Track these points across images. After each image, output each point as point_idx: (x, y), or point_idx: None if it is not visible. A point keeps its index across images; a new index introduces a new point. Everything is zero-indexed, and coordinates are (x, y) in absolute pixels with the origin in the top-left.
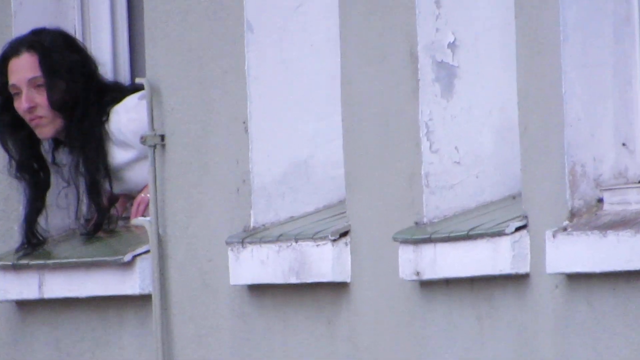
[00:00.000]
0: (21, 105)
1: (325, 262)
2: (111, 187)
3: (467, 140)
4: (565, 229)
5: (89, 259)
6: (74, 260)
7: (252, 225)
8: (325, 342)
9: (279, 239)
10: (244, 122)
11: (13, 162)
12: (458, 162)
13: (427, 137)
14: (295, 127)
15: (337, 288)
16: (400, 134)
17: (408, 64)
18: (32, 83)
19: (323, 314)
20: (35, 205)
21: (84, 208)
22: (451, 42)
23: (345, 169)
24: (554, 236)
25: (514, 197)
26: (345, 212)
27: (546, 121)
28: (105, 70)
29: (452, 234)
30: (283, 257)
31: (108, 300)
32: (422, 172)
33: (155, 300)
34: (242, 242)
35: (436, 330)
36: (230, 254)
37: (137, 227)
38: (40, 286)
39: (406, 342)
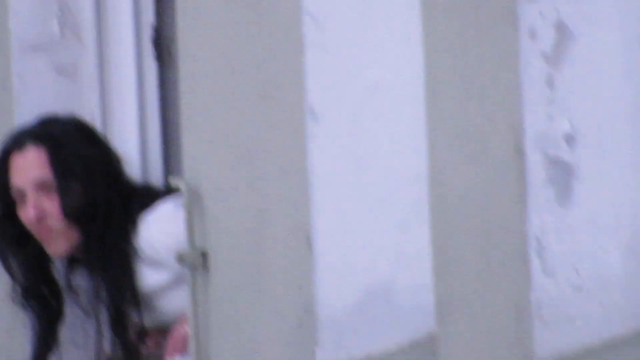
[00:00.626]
0: (27, 214)
1: None
2: (141, 319)
3: (590, 259)
4: None
5: None
6: None
7: None
8: None
9: None
10: (307, 236)
11: (17, 287)
12: (579, 287)
13: (539, 255)
14: (372, 242)
15: None
16: (505, 251)
17: (513, 161)
18: (39, 186)
19: None
20: (45, 341)
21: (106, 345)
22: (568, 133)
23: (435, 296)
24: None
25: None
26: (435, 349)
27: None
28: (131, 168)
29: None
30: None
31: None
32: (532, 300)
33: None
34: None
35: None
36: None
37: None
38: None
39: None
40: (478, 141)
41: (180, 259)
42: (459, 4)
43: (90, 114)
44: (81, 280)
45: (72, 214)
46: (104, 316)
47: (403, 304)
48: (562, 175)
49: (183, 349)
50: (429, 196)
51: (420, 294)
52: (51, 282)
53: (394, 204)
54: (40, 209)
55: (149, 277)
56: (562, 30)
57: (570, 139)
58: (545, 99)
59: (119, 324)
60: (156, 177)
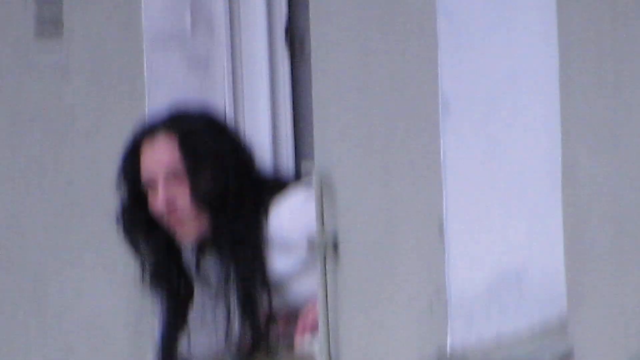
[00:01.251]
0: (157, 201)
1: None
2: (270, 303)
3: None
4: None
5: None
6: None
7: (448, 350)
8: None
9: None
10: (439, 221)
11: (146, 269)
12: None
13: None
14: (504, 227)
15: None
16: (637, 237)
17: None
18: (170, 174)
19: None
20: (175, 323)
21: (236, 328)
22: None
23: (567, 281)
24: None
25: None
26: (566, 333)
27: None
28: (263, 156)
29: None
30: None
31: None
32: None
33: None
34: None
35: None
36: None
37: (303, 354)
38: None
39: None
40: (611, 131)
41: (311, 244)
42: None
43: (222, 106)
44: (211, 266)
45: (203, 201)
46: (234, 299)
47: (535, 289)
48: None
49: (313, 329)
50: (562, 184)
51: (552, 279)
52: (180, 266)
53: (526, 191)
54: (171, 197)
55: (279, 262)
56: None
57: None
58: None
59: (248, 308)
60: (287, 164)
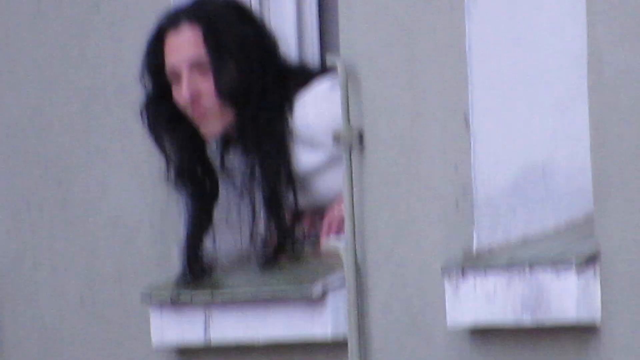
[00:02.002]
0: (181, 94)
1: (568, 296)
2: (296, 200)
3: None
4: None
5: (268, 293)
6: (249, 294)
7: (474, 248)
8: None
9: (508, 265)
10: (465, 116)
11: (171, 167)
12: None
13: None
14: (530, 121)
15: (584, 332)
16: None
17: None
18: (194, 65)
19: None
20: (200, 222)
21: (261, 226)
22: None
23: (593, 176)
24: None
25: None
26: (592, 230)
27: None
28: (288, 48)
29: None
30: (514, 289)
31: (292, 347)
32: None
33: (352, 347)
34: (462, 270)
35: None
36: (447, 285)
37: (328, 251)
38: (206, 328)
39: None
40: (638, 21)
41: (336, 138)
42: None
43: None
44: (235, 160)
45: (227, 93)
46: (259, 197)
47: (560, 185)
48: None
49: (338, 229)
50: (588, 76)
51: (577, 174)
52: (205, 163)
53: (552, 84)
54: (195, 88)
55: (304, 157)
56: None
57: None
58: None
59: (273, 204)
60: (313, 57)
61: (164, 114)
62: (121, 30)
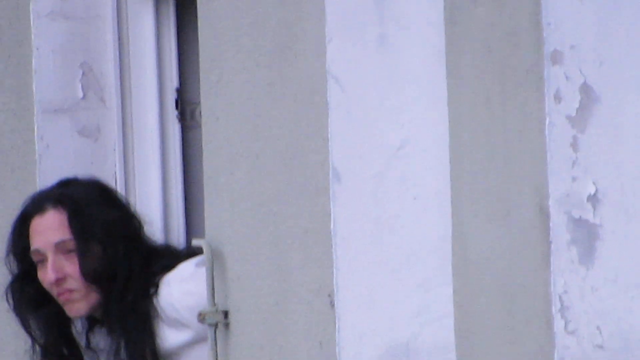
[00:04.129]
0: (47, 276)
1: None
2: None
3: (613, 319)
4: None
5: None
6: None
7: None
8: None
9: None
10: (329, 295)
11: (37, 347)
12: (601, 346)
13: (562, 315)
14: (395, 301)
15: None
16: (528, 311)
17: (537, 222)
18: (60, 248)
19: None
20: None
21: None
22: (592, 194)
23: (457, 355)
24: None
25: None
26: None
27: None
28: (154, 230)
29: None
30: None
31: None
32: (556, 359)
33: None
34: None
35: None
36: None
37: None
38: None
39: None
40: (502, 202)
41: (202, 318)
42: (484, 66)
43: (113, 176)
44: (101, 339)
45: (92, 275)
46: None
47: None
48: (586, 236)
49: None
50: (452, 256)
51: (442, 354)
52: (71, 342)
53: (417, 264)
54: (60, 270)
55: (170, 337)
56: (587, 93)
57: (594, 200)
58: (569, 161)
59: None
60: (178, 239)
61: (29, 295)
62: None
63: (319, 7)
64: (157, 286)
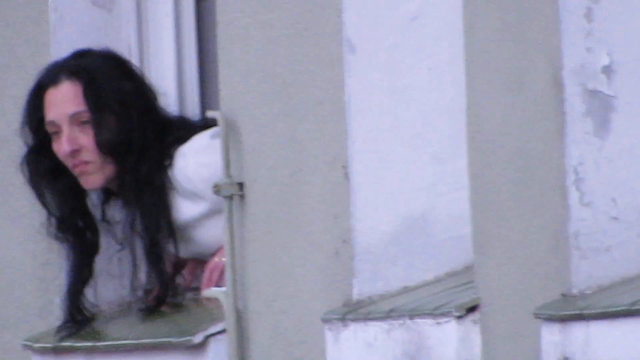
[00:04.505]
0: (61, 147)
1: (448, 344)
2: (176, 250)
3: (628, 190)
4: None
5: (150, 341)
6: (130, 341)
7: (354, 297)
8: None
9: (389, 315)
10: (344, 166)
11: (52, 219)
12: (616, 218)
13: (577, 187)
14: (409, 172)
15: None
16: (542, 183)
17: (551, 93)
18: (74, 119)
19: None
20: (81, 273)
21: (142, 276)
22: (606, 65)
23: (473, 227)
24: None
25: None
26: (472, 281)
27: None
28: (168, 102)
29: (609, 309)
30: (395, 338)
31: None
32: (570, 231)
33: None
34: (343, 319)
35: None
36: (327, 334)
37: (210, 299)
38: None
39: None
40: (516, 74)
41: (217, 189)
42: None
43: (127, 47)
44: (116, 212)
45: (107, 146)
46: (140, 248)
47: (440, 235)
48: (601, 107)
49: (219, 280)
50: (467, 128)
51: (457, 224)
52: (86, 214)
53: (431, 136)
54: (75, 142)
55: (185, 209)
56: None
57: (608, 71)
58: (584, 32)
59: (154, 255)
60: (193, 111)
61: (44, 167)
62: (1, 84)
63: None
64: (171, 158)
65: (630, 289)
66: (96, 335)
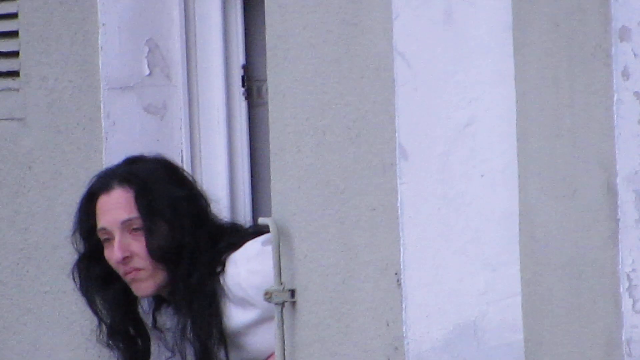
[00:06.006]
0: (113, 254)
1: None
2: (227, 357)
3: None
4: None
5: None
6: None
7: None
8: None
9: None
10: (396, 274)
11: (103, 326)
12: None
13: (630, 293)
14: (462, 279)
15: None
16: (595, 289)
17: (605, 199)
18: (126, 226)
19: None
20: None
21: None
22: None
23: (525, 334)
24: None
25: None
26: None
27: None
28: (220, 208)
29: None
30: None
31: None
32: (623, 339)
33: None
34: None
35: None
36: None
37: None
38: None
39: None
40: (569, 180)
41: (269, 296)
42: (552, 42)
43: (179, 153)
44: (167, 319)
45: (159, 253)
46: (191, 354)
47: (492, 342)
48: None
49: None
50: (520, 234)
51: (509, 332)
52: (137, 322)
53: (484, 242)
54: (127, 249)
55: (236, 316)
56: None
57: None
58: (637, 138)
59: None
60: (244, 217)
61: (95, 274)
62: (53, 190)
63: None
64: (223, 265)
65: None
66: None
